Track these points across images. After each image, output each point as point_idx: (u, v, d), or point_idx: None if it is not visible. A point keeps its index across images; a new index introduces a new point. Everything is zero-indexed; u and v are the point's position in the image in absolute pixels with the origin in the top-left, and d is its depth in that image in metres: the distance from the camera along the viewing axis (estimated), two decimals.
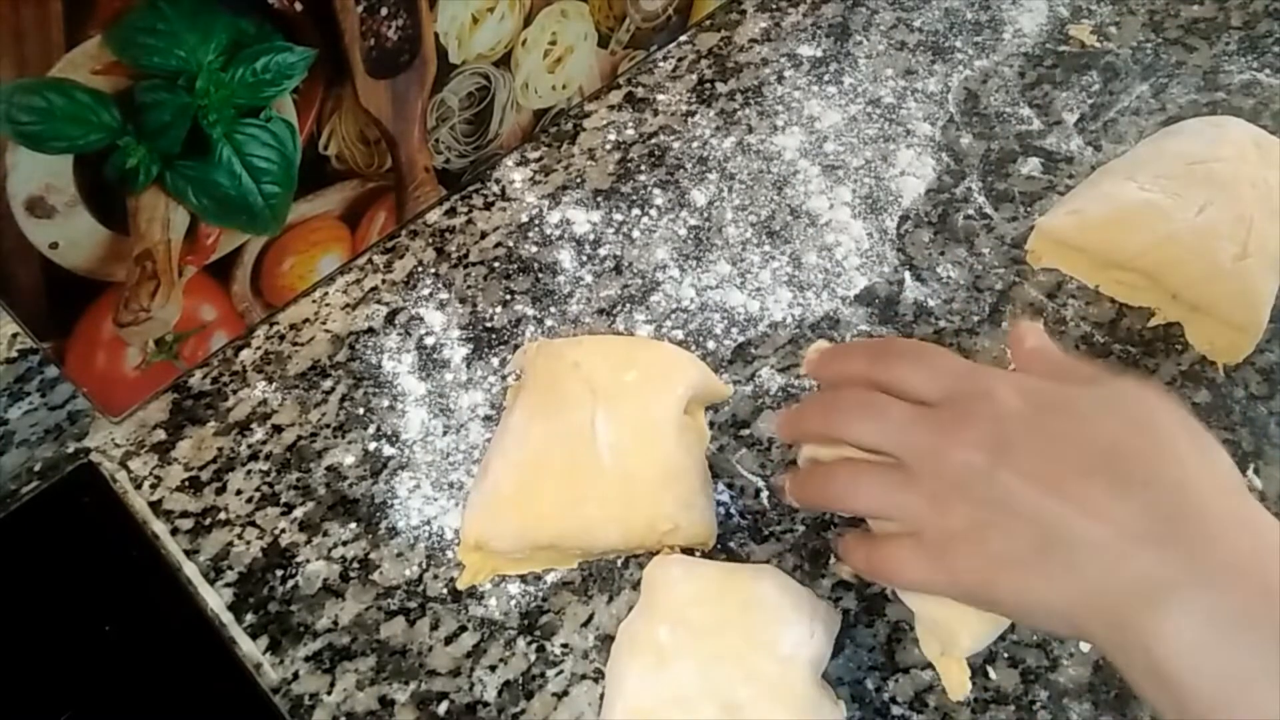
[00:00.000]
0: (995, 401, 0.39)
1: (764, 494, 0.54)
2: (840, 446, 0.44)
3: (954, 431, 0.39)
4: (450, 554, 0.52)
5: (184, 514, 0.54)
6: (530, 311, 0.61)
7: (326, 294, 0.62)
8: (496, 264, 0.63)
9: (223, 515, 0.54)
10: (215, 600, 0.51)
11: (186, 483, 0.55)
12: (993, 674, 0.49)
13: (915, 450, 0.40)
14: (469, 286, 0.62)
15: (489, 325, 0.60)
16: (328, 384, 0.58)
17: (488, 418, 0.56)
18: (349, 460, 0.55)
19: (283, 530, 0.53)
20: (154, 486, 0.55)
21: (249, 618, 0.51)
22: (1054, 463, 0.37)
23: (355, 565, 0.52)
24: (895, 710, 0.48)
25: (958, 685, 0.48)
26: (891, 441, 0.41)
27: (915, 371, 0.42)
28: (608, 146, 0.68)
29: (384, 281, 0.62)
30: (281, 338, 0.60)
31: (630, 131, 0.69)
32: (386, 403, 0.57)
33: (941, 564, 0.39)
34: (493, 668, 0.49)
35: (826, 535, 0.52)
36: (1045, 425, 0.38)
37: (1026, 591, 0.37)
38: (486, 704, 0.48)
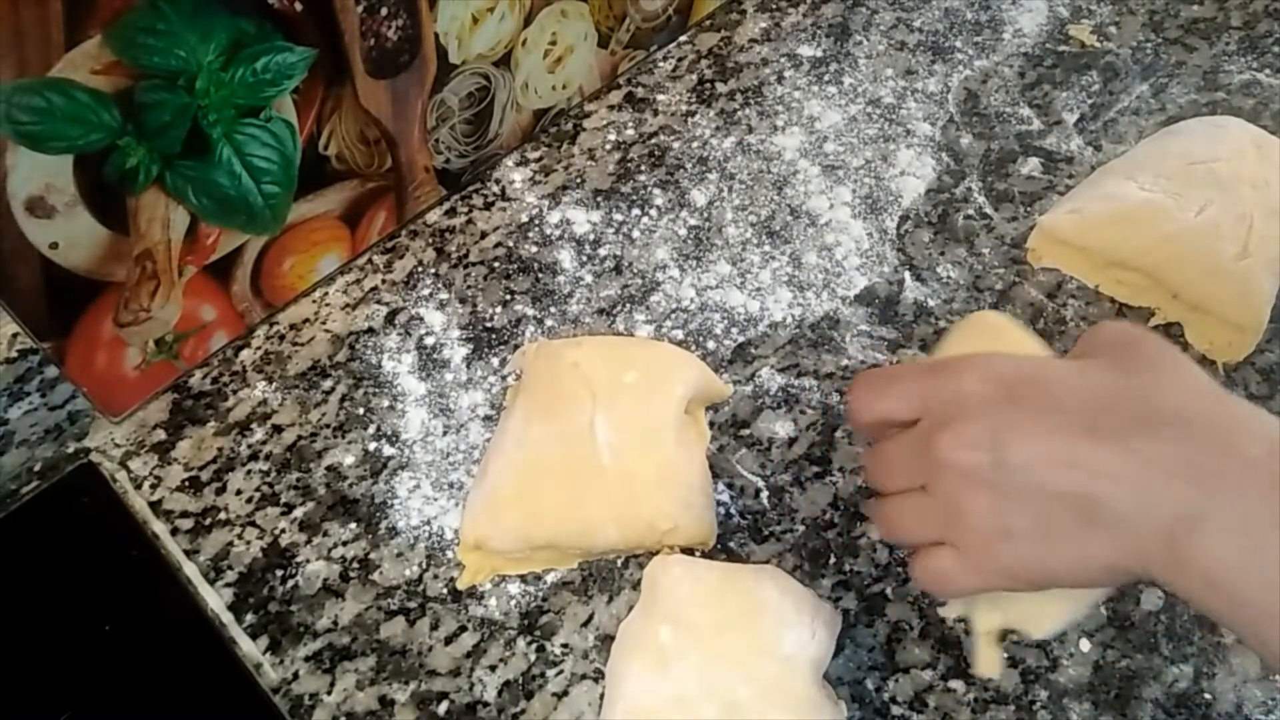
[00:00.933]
0: (967, 395, 0.40)
1: (764, 494, 0.54)
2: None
3: (942, 438, 0.39)
4: (450, 554, 0.52)
5: (184, 514, 0.54)
6: (530, 311, 0.61)
7: (326, 294, 0.62)
8: (496, 264, 0.63)
9: (223, 515, 0.54)
10: (215, 600, 0.51)
11: (186, 483, 0.55)
12: None
13: (921, 471, 0.41)
14: (469, 286, 0.62)
15: (489, 325, 0.60)
16: (328, 384, 0.58)
17: (488, 418, 0.56)
18: (349, 460, 0.55)
19: (283, 530, 0.53)
20: (154, 486, 0.55)
21: (249, 618, 0.51)
22: (1052, 436, 0.38)
23: (355, 565, 0.52)
24: (895, 710, 0.48)
25: (991, 663, 0.48)
26: (906, 476, 0.42)
27: (883, 400, 0.42)
28: (608, 146, 0.68)
29: (384, 281, 0.62)
30: (281, 338, 0.60)
31: (630, 131, 0.69)
32: (386, 403, 0.57)
33: (985, 563, 0.40)
34: (493, 668, 0.49)
35: (827, 535, 0.53)
36: (1025, 401, 0.39)
37: (1080, 558, 0.38)
38: (486, 704, 0.48)
